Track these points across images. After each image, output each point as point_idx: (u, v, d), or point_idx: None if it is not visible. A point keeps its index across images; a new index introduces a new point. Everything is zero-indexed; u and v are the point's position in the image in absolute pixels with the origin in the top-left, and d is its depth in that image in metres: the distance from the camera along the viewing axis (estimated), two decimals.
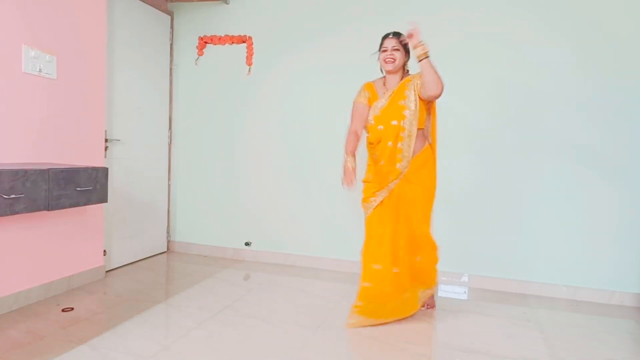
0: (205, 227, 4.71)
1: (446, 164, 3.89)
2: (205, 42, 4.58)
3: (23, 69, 2.98)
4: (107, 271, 3.89)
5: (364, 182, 3.11)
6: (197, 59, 4.62)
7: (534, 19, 3.68)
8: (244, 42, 4.46)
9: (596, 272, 3.64)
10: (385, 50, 2.93)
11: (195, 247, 4.74)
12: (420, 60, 2.75)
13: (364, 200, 3.06)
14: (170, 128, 4.72)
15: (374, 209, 2.99)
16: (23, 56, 2.97)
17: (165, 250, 4.78)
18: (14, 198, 2.36)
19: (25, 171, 2.43)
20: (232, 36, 4.49)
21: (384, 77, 3.05)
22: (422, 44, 2.73)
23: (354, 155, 3.01)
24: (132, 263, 4.24)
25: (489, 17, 3.78)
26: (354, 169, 2.95)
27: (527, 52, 3.70)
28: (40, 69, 3.08)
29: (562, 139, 3.67)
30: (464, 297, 3.68)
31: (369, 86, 3.07)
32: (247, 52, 4.46)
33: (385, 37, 2.97)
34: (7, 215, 2.35)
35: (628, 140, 3.54)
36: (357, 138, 3.05)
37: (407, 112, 2.88)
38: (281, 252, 4.45)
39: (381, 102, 2.97)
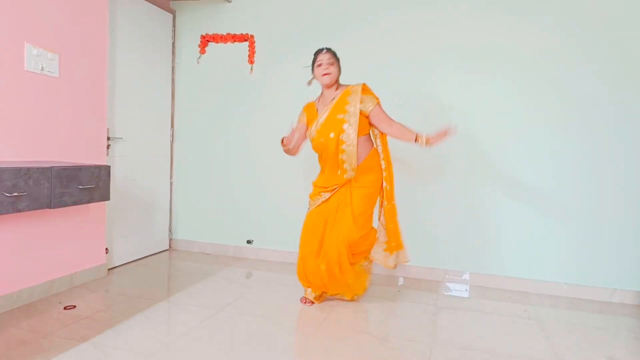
0: (207, 225, 4.72)
1: (446, 163, 3.90)
2: (208, 41, 4.59)
3: (25, 67, 2.99)
4: (109, 269, 3.90)
5: (313, 184, 3.32)
6: (199, 57, 4.63)
7: (536, 21, 3.69)
8: (246, 40, 4.47)
9: (597, 270, 3.65)
10: (320, 65, 3.09)
11: (197, 245, 4.75)
12: (418, 142, 2.94)
13: (312, 197, 3.29)
14: (172, 126, 4.73)
15: (316, 207, 3.24)
16: (25, 54, 2.98)
17: (167, 248, 4.79)
18: (16, 196, 2.37)
19: (28, 169, 2.44)
20: (234, 35, 4.50)
21: (322, 92, 3.23)
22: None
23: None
24: (134, 261, 4.26)
25: (492, 21, 3.78)
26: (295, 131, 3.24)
27: (536, 52, 3.71)
28: (42, 67, 3.09)
29: (564, 137, 3.67)
30: (465, 294, 3.69)
31: (309, 107, 3.29)
32: (249, 50, 4.47)
33: (319, 52, 3.14)
34: (9, 213, 2.37)
35: (630, 140, 3.54)
36: (300, 141, 3.32)
37: (346, 126, 3.04)
38: (283, 250, 4.46)
39: (322, 117, 3.12)
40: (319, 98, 3.27)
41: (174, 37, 4.67)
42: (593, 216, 3.64)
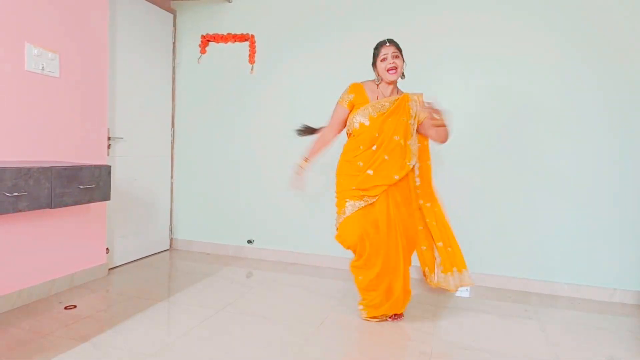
0: (208, 225, 4.72)
1: (449, 162, 3.90)
2: (208, 41, 4.59)
3: (26, 67, 2.99)
4: (109, 269, 3.90)
5: (341, 191, 2.95)
6: (200, 57, 4.63)
7: (537, 25, 3.69)
8: (246, 40, 4.47)
9: (597, 270, 3.65)
10: (385, 59, 2.82)
11: (197, 245, 4.75)
12: (440, 127, 2.83)
13: (344, 199, 2.91)
14: (172, 126, 4.73)
15: (358, 210, 2.87)
16: (26, 54, 2.98)
17: (168, 248, 4.79)
18: (17, 196, 2.37)
19: (28, 169, 2.44)
20: (235, 34, 4.50)
21: (376, 81, 2.93)
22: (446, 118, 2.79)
23: (311, 160, 3.07)
24: (134, 261, 4.26)
25: (494, 23, 3.78)
26: (303, 175, 3.04)
27: (536, 49, 3.71)
28: (43, 67, 3.09)
29: (564, 139, 3.67)
30: (466, 294, 3.68)
31: (356, 87, 2.94)
32: (249, 50, 4.47)
33: (382, 45, 2.86)
34: (10, 213, 2.37)
35: (629, 140, 3.54)
36: (326, 143, 3.09)
37: (412, 132, 2.90)
38: (283, 249, 4.46)
39: (378, 108, 2.86)
40: (370, 83, 2.95)
41: (174, 37, 4.67)
42: (593, 216, 3.64)
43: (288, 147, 4.38)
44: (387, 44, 2.84)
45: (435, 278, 3.12)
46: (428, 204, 3.09)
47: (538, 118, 3.71)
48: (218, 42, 4.57)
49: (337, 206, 2.99)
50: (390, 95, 2.92)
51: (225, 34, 4.53)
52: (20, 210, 2.41)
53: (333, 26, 4.18)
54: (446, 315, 3.17)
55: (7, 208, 2.34)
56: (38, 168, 2.50)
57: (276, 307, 3.20)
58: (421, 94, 2.96)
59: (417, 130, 2.98)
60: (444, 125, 2.81)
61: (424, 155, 3.09)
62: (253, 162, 4.52)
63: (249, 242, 4.57)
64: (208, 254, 4.66)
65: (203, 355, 2.43)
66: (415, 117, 2.91)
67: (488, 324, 3.06)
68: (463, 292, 3.73)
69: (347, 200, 2.89)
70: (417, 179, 3.06)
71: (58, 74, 3.22)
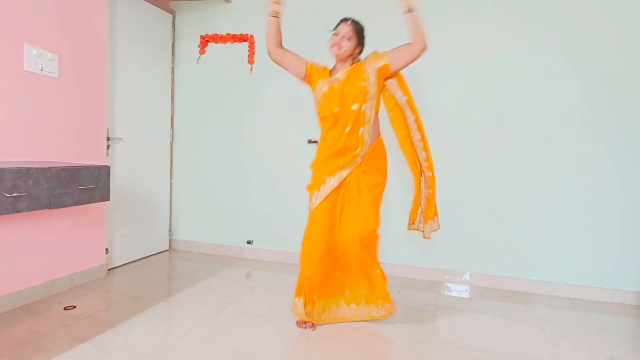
0: (207, 226, 4.72)
1: (448, 160, 3.89)
2: (207, 41, 4.59)
3: (25, 68, 2.98)
4: (109, 269, 3.90)
5: (317, 164, 2.94)
6: (199, 57, 4.63)
7: (537, 25, 3.69)
8: (245, 40, 4.46)
9: (597, 270, 3.65)
10: (336, 34, 2.79)
11: (197, 246, 4.75)
12: (407, 12, 2.69)
13: (314, 187, 2.90)
14: (172, 126, 4.73)
15: (324, 199, 2.84)
16: (25, 55, 2.98)
17: (167, 248, 4.79)
18: (16, 196, 2.37)
19: (28, 169, 2.44)
20: (234, 35, 4.49)
21: (334, 66, 2.90)
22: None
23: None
24: (134, 261, 4.26)
25: (494, 24, 3.78)
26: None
27: (535, 50, 3.71)
28: (42, 68, 3.09)
29: (565, 138, 3.67)
30: (466, 295, 3.69)
31: (324, 69, 2.90)
32: (248, 50, 4.47)
33: (343, 21, 2.83)
34: (9, 213, 2.36)
35: (630, 140, 3.54)
36: (273, 34, 2.91)
37: (369, 96, 2.74)
38: (283, 250, 4.45)
39: (331, 82, 2.78)
40: (331, 71, 2.90)
41: (173, 37, 4.67)
42: (593, 216, 3.64)
43: (288, 147, 4.38)
44: (347, 22, 2.81)
45: (415, 224, 3.05)
46: (425, 155, 2.93)
47: (538, 118, 3.71)
48: (217, 43, 4.57)
49: (309, 190, 2.96)
50: (344, 69, 2.82)
51: (224, 34, 4.52)
52: (19, 211, 2.40)
53: (333, 26, 4.17)
54: (445, 316, 3.17)
55: (7, 208, 2.34)
56: (37, 168, 2.50)
57: (275, 307, 3.20)
58: (372, 52, 2.83)
59: (395, 74, 2.83)
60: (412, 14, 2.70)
61: (412, 106, 2.91)
62: (253, 162, 4.52)
63: (249, 242, 4.57)
64: (208, 254, 4.66)
65: (203, 355, 2.43)
66: (376, 72, 2.73)
67: (488, 324, 3.06)
68: (463, 292, 3.73)
69: (318, 186, 2.87)
70: (417, 133, 2.90)
71: (57, 74, 3.22)
